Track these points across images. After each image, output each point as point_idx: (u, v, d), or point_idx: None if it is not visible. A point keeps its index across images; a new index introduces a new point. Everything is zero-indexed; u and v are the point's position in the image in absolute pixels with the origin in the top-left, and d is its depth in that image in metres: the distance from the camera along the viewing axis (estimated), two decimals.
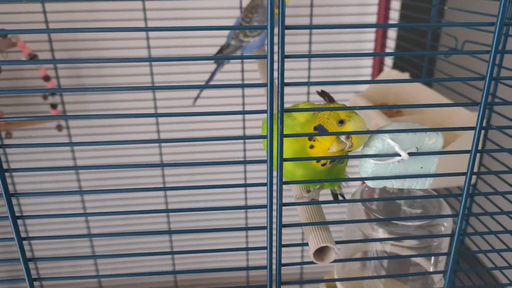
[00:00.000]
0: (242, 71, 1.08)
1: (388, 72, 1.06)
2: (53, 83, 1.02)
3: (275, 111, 0.37)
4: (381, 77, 1.05)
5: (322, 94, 0.48)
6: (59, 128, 1.06)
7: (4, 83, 1.05)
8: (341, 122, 0.41)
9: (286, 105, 0.37)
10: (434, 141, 0.41)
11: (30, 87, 1.06)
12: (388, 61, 1.12)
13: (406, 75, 1.00)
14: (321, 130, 0.42)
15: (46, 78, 0.97)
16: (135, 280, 1.34)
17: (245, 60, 1.08)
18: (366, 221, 0.49)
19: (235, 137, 0.38)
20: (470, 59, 0.78)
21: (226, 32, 0.97)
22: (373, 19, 1.09)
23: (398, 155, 0.40)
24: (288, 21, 1.06)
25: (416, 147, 0.41)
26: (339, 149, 0.41)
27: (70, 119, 1.05)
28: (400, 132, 0.40)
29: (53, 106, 1.02)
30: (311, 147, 0.42)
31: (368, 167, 0.41)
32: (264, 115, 0.37)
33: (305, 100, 1.11)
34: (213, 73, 0.97)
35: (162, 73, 1.07)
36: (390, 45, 1.10)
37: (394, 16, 1.08)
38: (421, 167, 0.41)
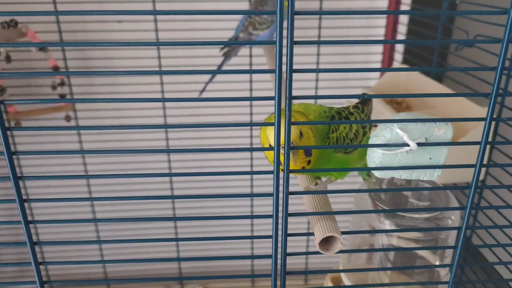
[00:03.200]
0: (250, 64, 1.07)
1: (398, 67, 1.05)
2: None
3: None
4: (390, 72, 1.04)
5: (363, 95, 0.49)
6: (68, 118, 1.07)
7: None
8: (270, 145, 0.43)
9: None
10: (444, 131, 0.40)
11: (40, 77, 1.06)
12: (398, 56, 1.11)
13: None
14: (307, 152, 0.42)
15: (55, 69, 0.98)
16: (139, 272, 1.34)
17: (253, 53, 1.08)
18: (372, 212, 0.49)
19: (242, 123, 0.38)
20: (482, 55, 0.77)
21: (235, 25, 0.96)
22: (384, 4, 1.08)
23: (407, 145, 0.39)
24: (297, 5, 1.06)
25: (425, 138, 0.40)
26: (292, 157, 0.41)
27: (76, 102, 1.05)
28: (409, 122, 0.39)
29: (62, 96, 1.03)
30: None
31: (375, 157, 0.41)
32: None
33: (312, 88, 1.10)
34: (220, 66, 0.97)
35: (169, 56, 1.06)
36: (401, 30, 1.09)
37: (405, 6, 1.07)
38: (430, 158, 0.41)
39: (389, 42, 0.49)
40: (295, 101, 0.41)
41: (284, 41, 0.35)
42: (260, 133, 0.44)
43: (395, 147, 0.40)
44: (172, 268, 1.32)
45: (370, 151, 0.42)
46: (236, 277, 0.45)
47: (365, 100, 0.54)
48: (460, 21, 1.11)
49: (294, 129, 0.41)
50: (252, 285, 1.27)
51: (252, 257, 0.43)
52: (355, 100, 0.56)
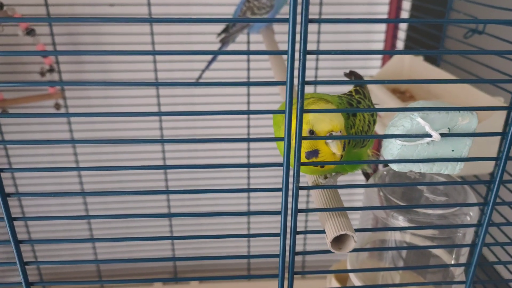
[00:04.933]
0: (248, 50, 1.03)
1: (401, 56, 1.01)
2: (51, 59, 0.98)
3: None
4: (393, 60, 1.01)
5: (350, 75, 0.45)
6: (57, 106, 1.02)
7: (0, 59, 1.01)
8: (311, 132, 0.38)
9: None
10: (468, 121, 0.37)
11: (27, 62, 1.02)
12: (400, 43, 1.08)
13: (420, 59, 0.96)
14: (311, 154, 0.39)
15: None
16: (134, 270, 1.31)
17: (251, 40, 1.04)
18: (387, 208, 0.46)
19: (242, 111, 0.35)
20: (491, 42, 0.74)
21: (232, 11, 0.92)
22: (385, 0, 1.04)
23: (429, 136, 0.36)
24: None
25: (448, 128, 0.37)
26: (339, 147, 0.38)
27: (65, 85, 1.00)
28: (432, 110, 0.36)
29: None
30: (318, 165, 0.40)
31: (394, 148, 0.37)
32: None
33: (312, 77, 1.06)
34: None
35: (164, 42, 1.02)
36: (404, 16, 1.05)
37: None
38: (452, 150, 0.38)
39: (391, 21, 0.46)
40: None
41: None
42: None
43: (416, 138, 0.37)
44: (168, 264, 1.29)
45: (387, 142, 0.38)
46: (239, 277, 0.42)
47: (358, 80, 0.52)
48: (459, 5, 1.07)
49: (339, 115, 0.39)
50: (248, 280, 1.24)
51: (259, 256, 0.39)
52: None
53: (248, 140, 0.35)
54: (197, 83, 0.33)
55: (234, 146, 1.13)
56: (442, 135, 0.36)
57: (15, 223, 0.38)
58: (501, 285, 0.60)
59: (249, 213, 0.38)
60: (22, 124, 1.07)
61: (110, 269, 1.29)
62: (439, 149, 0.37)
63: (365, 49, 1.09)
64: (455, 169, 0.38)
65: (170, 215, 0.39)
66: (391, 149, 0.38)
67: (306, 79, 0.33)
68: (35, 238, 1.18)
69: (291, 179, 0.36)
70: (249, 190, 0.37)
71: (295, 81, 0.33)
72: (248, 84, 0.32)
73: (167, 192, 0.39)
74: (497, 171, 0.39)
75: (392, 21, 0.54)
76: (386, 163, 0.38)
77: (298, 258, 1.27)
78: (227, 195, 1.20)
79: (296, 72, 0.32)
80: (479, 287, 0.63)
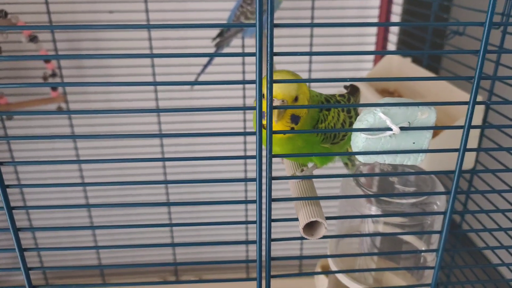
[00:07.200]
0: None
1: (390, 57, 1.05)
2: (53, 64, 1.02)
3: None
4: (383, 62, 1.04)
5: (350, 88, 0.48)
6: (60, 109, 1.06)
7: (5, 64, 1.05)
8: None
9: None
10: (427, 115, 0.40)
11: (31, 68, 1.06)
12: (391, 46, 1.11)
13: (408, 60, 0.99)
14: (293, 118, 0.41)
15: (47, 60, 0.97)
16: (135, 268, 1.34)
17: (246, 44, 1.07)
18: (357, 197, 0.49)
19: (232, 107, 0.38)
20: (475, 44, 0.77)
21: (227, 16, 0.96)
22: None
23: (390, 129, 0.39)
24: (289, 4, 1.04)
25: (408, 122, 0.40)
26: (277, 115, 0.40)
27: (67, 86, 1.04)
28: (392, 106, 0.39)
29: (53, 88, 1.02)
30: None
31: (359, 141, 0.41)
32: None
33: (306, 71, 1.09)
34: (211, 57, 0.96)
35: (161, 47, 1.06)
36: (395, 20, 1.08)
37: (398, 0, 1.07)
38: (413, 143, 0.41)
39: (381, 24, 0.49)
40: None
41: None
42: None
43: (378, 132, 0.40)
44: (167, 259, 1.33)
45: (353, 135, 0.41)
46: (222, 263, 0.45)
47: (353, 91, 0.54)
48: (455, 11, 1.10)
49: (292, 87, 0.41)
50: (247, 275, 1.27)
51: (236, 242, 0.43)
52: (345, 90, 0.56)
53: (227, 134, 0.39)
54: (189, 83, 0.36)
55: (231, 138, 1.17)
56: (402, 128, 0.39)
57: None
58: (476, 270, 0.63)
59: (222, 202, 0.41)
60: (26, 128, 1.12)
61: (112, 273, 1.33)
62: (401, 141, 0.41)
63: (353, 49, 1.12)
64: (417, 160, 0.42)
65: (167, 204, 0.42)
66: (357, 142, 0.41)
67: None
68: (37, 237, 1.23)
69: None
70: (225, 181, 0.40)
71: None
72: (214, 83, 0.35)
73: (161, 182, 0.42)
74: (456, 163, 0.42)
75: (378, 24, 0.58)
76: (351, 155, 0.41)
77: (295, 251, 1.30)
78: (224, 184, 1.23)
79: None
80: (457, 272, 0.66)
